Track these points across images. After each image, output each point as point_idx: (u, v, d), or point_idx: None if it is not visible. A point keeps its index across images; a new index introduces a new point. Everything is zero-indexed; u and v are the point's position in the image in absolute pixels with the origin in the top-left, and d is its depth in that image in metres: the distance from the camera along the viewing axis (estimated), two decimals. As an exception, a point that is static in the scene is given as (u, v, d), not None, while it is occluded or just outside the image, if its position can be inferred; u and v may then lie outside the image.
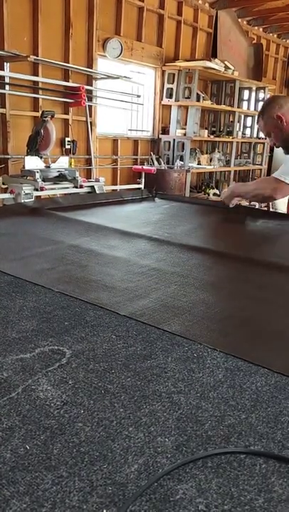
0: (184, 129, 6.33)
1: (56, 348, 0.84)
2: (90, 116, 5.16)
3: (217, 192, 2.06)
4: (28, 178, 3.70)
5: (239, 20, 7.38)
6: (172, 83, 6.22)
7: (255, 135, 7.91)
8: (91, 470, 0.55)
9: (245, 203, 2.42)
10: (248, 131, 7.99)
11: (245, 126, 8.00)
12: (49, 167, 3.92)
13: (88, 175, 5.23)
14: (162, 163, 6.28)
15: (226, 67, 6.62)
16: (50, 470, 0.55)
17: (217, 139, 6.94)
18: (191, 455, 0.58)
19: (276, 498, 0.52)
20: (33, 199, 3.40)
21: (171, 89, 6.24)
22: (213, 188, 6.96)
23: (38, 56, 4.52)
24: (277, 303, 1.14)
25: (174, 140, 6.32)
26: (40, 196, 3.58)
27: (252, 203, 2.60)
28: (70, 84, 4.89)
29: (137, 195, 2.66)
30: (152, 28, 5.99)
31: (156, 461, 0.57)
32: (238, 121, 7.37)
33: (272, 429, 0.64)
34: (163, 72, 6.24)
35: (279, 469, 0.57)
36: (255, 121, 2.39)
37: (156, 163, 6.21)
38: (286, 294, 1.21)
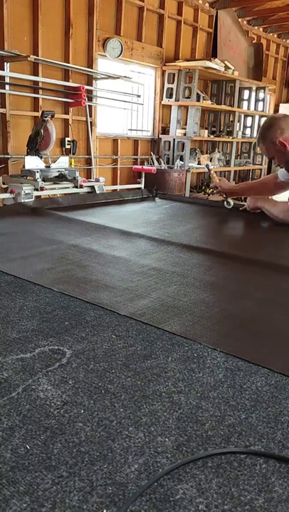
0: (184, 128, 6.33)
1: (56, 347, 0.84)
2: (90, 116, 5.17)
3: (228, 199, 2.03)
4: (28, 178, 3.71)
5: (239, 20, 7.38)
6: (172, 83, 6.22)
7: (255, 135, 7.91)
8: (91, 470, 0.55)
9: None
10: (248, 131, 7.99)
11: (245, 126, 8.00)
12: (49, 167, 3.92)
13: (88, 175, 5.23)
14: (162, 163, 6.28)
15: (226, 67, 6.62)
16: (50, 470, 0.55)
17: (217, 138, 6.94)
18: (191, 455, 0.58)
19: (276, 498, 0.52)
20: (33, 199, 3.40)
21: (172, 89, 6.24)
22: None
23: (38, 56, 4.52)
24: (278, 303, 1.14)
25: (174, 140, 6.32)
26: (40, 196, 3.58)
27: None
28: (70, 84, 4.89)
29: (137, 195, 2.66)
30: (152, 27, 5.99)
31: (157, 461, 0.57)
32: (238, 121, 7.38)
33: (272, 429, 0.64)
34: (163, 72, 6.25)
35: (279, 469, 0.57)
36: (256, 143, 2.29)
37: (156, 163, 6.21)
38: (287, 294, 1.21)
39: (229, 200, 2.37)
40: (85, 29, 5.07)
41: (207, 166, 2.64)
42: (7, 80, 4.34)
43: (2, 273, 1.23)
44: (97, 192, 4.00)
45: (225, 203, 2.36)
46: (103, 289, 1.15)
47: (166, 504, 0.50)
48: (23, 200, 3.22)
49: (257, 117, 7.86)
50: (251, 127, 7.92)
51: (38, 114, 4.42)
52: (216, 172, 2.45)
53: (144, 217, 2.13)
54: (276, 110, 8.93)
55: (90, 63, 5.16)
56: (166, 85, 6.27)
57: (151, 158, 6.26)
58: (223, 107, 6.88)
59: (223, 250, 1.58)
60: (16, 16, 4.36)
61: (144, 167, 5.13)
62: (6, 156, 4.47)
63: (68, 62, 4.89)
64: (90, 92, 5.12)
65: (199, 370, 0.78)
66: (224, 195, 2.39)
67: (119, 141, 5.82)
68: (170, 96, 6.28)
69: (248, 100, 7.76)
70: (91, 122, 5.19)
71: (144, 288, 1.17)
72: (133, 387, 0.73)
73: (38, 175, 3.62)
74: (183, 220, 2.18)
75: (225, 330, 0.96)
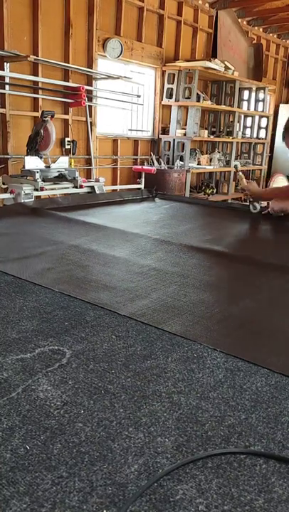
0: (184, 129, 6.33)
1: (56, 348, 0.84)
2: (90, 116, 5.16)
3: (257, 205, 1.99)
4: (28, 178, 3.70)
5: (239, 20, 7.38)
6: (172, 83, 6.22)
7: (255, 135, 7.92)
8: (91, 470, 0.55)
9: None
10: (248, 132, 7.99)
11: (245, 127, 8.00)
12: (49, 167, 3.92)
13: (88, 175, 5.23)
14: (162, 163, 6.28)
15: (226, 68, 6.62)
16: (50, 470, 0.55)
17: (217, 139, 6.94)
18: (191, 455, 0.58)
19: (276, 498, 0.52)
20: (32, 199, 3.40)
21: (171, 89, 6.24)
22: (213, 188, 6.95)
23: (38, 56, 4.52)
24: (278, 303, 1.14)
25: (174, 140, 6.32)
26: (40, 196, 3.58)
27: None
28: (70, 84, 4.89)
29: (137, 195, 2.66)
30: (152, 28, 5.98)
31: (156, 461, 0.57)
32: (238, 122, 7.37)
33: (272, 430, 0.64)
34: (163, 72, 6.25)
35: (279, 470, 0.57)
36: (281, 137, 2.26)
37: (156, 163, 6.21)
38: (286, 294, 1.21)
39: (256, 204, 2.30)
40: (85, 29, 5.07)
41: (236, 166, 2.56)
42: (7, 80, 4.34)
43: (2, 273, 1.23)
44: (97, 192, 3.99)
45: (251, 206, 2.29)
46: (103, 289, 1.15)
47: (166, 505, 0.50)
48: (23, 200, 3.22)
49: (257, 117, 7.85)
50: (251, 127, 7.91)
51: (38, 114, 4.42)
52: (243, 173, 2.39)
53: (144, 218, 2.13)
54: (276, 111, 8.93)
55: (89, 63, 5.16)
56: (166, 85, 6.26)
57: (151, 159, 6.25)
58: (223, 107, 6.88)
59: (223, 250, 1.58)
60: (16, 15, 4.36)
61: (144, 167, 5.12)
62: (5, 156, 4.47)
63: (68, 63, 4.88)
64: (89, 92, 5.12)
65: (199, 371, 0.78)
66: (251, 199, 2.32)
67: (119, 141, 5.82)
68: (170, 96, 6.28)
69: (248, 100, 7.75)
70: (91, 122, 5.19)
71: (144, 288, 1.17)
72: (133, 387, 0.72)
73: (37, 175, 3.62)
74: (183, 220, 2.18)
75: (225, 330, 0.96)
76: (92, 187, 4.07)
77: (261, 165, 7.99)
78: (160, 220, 2.10)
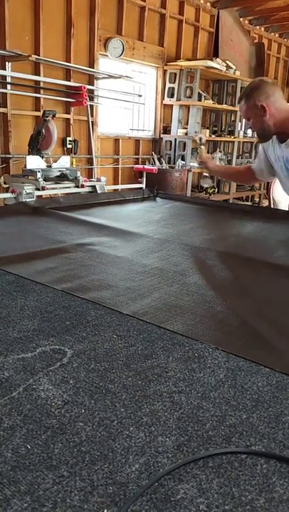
0: (186, 128, 6.32)
1: (57, 347, 0.84)
2: (92, 115, 5.16)
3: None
4: (29, 177, 3.70)
5: (241, 19, 7.37)
6: (174, 82, 6.22)
7: (256, 135, 7.91)
8: (92, 469, 0.55)
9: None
10: (249, 131, 7.98)
11: (246, 126, 7.99)
12: (50, 167, 3.92)
13: (89, 174, 5.22)
14: (164, 162, 6.28)
15: (228, 67, 6.61)
16: (51, 469, 0.55)
17: (218, 138, 6.93)
18: (192, 455, 0.58)
19: (277, 498, 0.52)
20: (34, 198, 3.40)
21: (173, 88, 6.24)
22: (215, 188, 6.95)
23: (39, 56, 4.52)
24: (280, 302, 1.14)
25: (175, 140, 6.31)
26: (41, 196, 3.58)
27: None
28: (71, 83, 4.89)
29: (139, 194, 2.66)
30: (154, 27, 5.98)
31: (157, 460, 0.57)
32: (240, 121, 7.37)
33: (273, 429, 0.64)
34: (164, 71, 6.24)
35: (280, 469, 0.57)
36: (237, 101, 2.29)
37: (157, 162, 6.21)
38: (288, 294, 1.21)
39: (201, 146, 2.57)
40: (87, 29, 5.07)
41: (200, 139, 2.70)
42: (8, 79, 4.34)
43: (4, 272, 1.23)
44: (99, 192, 3.99)
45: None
46: (105, 289, 1.15)
47: (167, 504, 0.50)
48: (24, 200, 3.22)
49: (258, 117, 7.84)
50: (253, 127, 7.90)
51: (40, 113, 4.42)
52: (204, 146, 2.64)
53: (145, 217, 2.13)
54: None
55: (91, 63, 5.15)
56: (168, 85, 6.26)
57: (153, 158, 6.25)
58: (224, 106, 6.87)
59: (225, 250, 1.58)
60: (18, 15, 4.36)
61: (146, 167, 5.11)
62: (7, 156, 4.47)
63: (70, 62, 4.88)
64: (91, 91, 5.12)
65: (200, 370, 0.78)
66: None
67: (120, 140, 5.82)
68: (171, 95, 6.27)
69: (250, 100, 7.74)
70: (92, 122, 5.19)
71: (146, 287, 1.17)
72: (134, 387, 0.72)
73: (39, 174, 3.62)
74: (184, 219, 2.18)
75: (226, 329, 0.96)
76: (94, 186, 4.06)
77: (263, 164, 7.98)
78: (162, 220, 2.10)
